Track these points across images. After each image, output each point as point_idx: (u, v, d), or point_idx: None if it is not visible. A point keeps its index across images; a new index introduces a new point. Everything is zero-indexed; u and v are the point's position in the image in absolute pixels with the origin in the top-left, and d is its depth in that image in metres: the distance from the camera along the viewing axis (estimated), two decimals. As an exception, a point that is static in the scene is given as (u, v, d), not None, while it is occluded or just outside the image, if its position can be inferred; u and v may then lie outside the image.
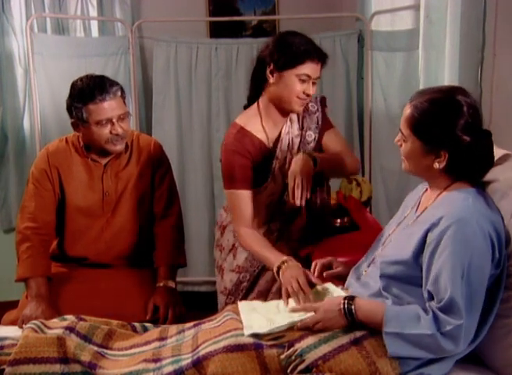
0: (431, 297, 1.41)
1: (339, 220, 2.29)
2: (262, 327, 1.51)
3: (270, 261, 1.93)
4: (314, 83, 1.98)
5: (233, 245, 2.18)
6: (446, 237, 1.38)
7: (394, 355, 1.39)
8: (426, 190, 1.63)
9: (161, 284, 2.16)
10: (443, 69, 2.47)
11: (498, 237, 1.41)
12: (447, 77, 2.43)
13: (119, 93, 2.07)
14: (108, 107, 2.03)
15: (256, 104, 2.09)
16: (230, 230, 2.19)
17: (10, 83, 3.29)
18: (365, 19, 3.15)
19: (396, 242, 1.57)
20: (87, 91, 2.02)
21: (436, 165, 1.48)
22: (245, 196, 2.03)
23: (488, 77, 2.21)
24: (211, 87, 3.31)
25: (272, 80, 1.98)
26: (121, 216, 2.19)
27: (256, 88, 2.07)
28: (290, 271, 1.81)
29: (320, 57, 1.96)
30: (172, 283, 2.18)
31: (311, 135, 2.13)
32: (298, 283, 1.74)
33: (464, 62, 2.32)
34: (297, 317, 1.51)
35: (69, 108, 2.07)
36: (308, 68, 1.94)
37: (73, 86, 2.08)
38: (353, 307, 1.46)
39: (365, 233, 2.08)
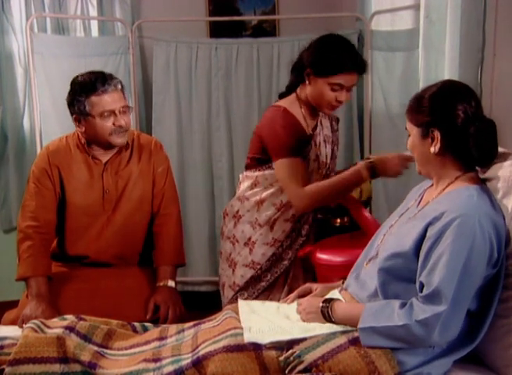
0: (421, 288, 1.42)
1: (338, 220, 2.30)
2: (262, 331, 1.51)
3: (352, 175, 2.00)
4: (348, 90, 2.03)
5: (249, 238, 2.15)
6: (447, 231, 1.38)
7: (368, 345, 1.42)
8: (431, 185, 1.63)
9: (162, 284, 2.16)
10: (443, 69, 2.47)
11: (498, 238, 1.41)
12: (447, 77, 2.42)
13: (120, 86, 2.11)
14: (110, 98, 2.06)
15: (295, 94, 2.13)
16: (247, 221, 2.16)
17: (10, 83, 3.29)
18: (365, 19, 3.15)
19: (396, 235, 1.57)
20: (88, 83, 2.05)
21: (432, 149, 1.49)
22: (301, 164, 2.05)
23: (488, 77, 2.21)
24: (211, 87, 3.31)
25: (307, 81, 2.05)
26: (121, 215, 2.19)
27: (295, 80, 2.13)
28: (389, 162, 1.97)
29: (357, 69, 2.00)
30: (172, 283, 2.18)
31: (336, 150, 2.25)
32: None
33: (464, 62, 2.31)
34: (297, 332, 1.50)
35: (71, 104, 2.09)
36: (342, 79, 1.99)
37: (74, 81, 2.11)
38: (329, 310, 1.52)
39: (365, 233, 2.09)
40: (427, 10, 2.53)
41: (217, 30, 3.53)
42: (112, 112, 2.07)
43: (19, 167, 3.37)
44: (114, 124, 2.08)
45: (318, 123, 2.16)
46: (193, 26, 3.51)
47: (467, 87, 1.51)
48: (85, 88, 2.05)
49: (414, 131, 1.54)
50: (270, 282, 2.15)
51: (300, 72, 2.07)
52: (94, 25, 3.38)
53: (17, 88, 3.30)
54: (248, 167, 2.20)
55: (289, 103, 2.11)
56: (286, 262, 2.15)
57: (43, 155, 2.19)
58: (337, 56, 1.98)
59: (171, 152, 3.26)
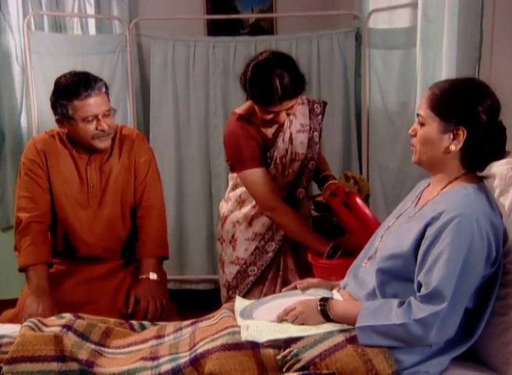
0: (419, 287, 1.42)
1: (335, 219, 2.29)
2: (259, 329, 1.51)
3: (318, 243, 2.02)
4: (289, 110, 1.97)
5: (233, 236, 2.20)
6: (445, 231, 1.38)
7: (366, 344, 1.41)
8: (428, 185, 1.63)
9: (144, 276, 2.15)
10: (441, 66, 2.46)
11: (495, 237, 1.42)
12: (445, 75, 2.42)
13: (104, 89, 2.08)
14: (94, 103, 2.04)
15: None
16: (231, 220, 2.20)
17: (7, 81, 3.28)
18: (363, 17, 3.15)
19: (395, 235, 1.57)
20: (71, 87, 2.03)
21: (453, 147, 1.46)
22: (262, 173, 2.05)
23: (485, 75, 2.21)
24: (208, 85, 3.31)
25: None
26: (107, 208, 2.18)
27: None
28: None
29: (290, 97, 1.92)
30: (153, 275, 2.16)
31: (317, 136, 2.19)
32: None
33: (462, 59, 2.32)
34: (294, 331, 1.50)
35: (54, 105, 2.08)
36: (275, 108, 1.94)
37: (57, 83, 2.08)
38: (327, 308, 1.51)
39: (363, 233, 2.08)
40: (424, 8, 2.53)
41: (215, 28, 3.53)
42: (95, 117, 2.05)
43: (16, 165, 3.35)
44: (97, 128, 2.06)
45: (286, 121, 2.11)
46: (190, 24, 3.51)
47: (492, 92, 1.49)
48: (68, 92, 2.03)
49: (434, 123, 1.48)
50: (257, 276, 2.18)
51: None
52: (92, 23, 3.37)
53: (14, 86, 3.30)
54: (230, 169, 2.24)
55: (247, 108, 2.10)
56: (270, 254, 2.18)
57: (30, 145, 2.18)
58: (267, 90, 1.89)
59: (168, 150, 3.27)
